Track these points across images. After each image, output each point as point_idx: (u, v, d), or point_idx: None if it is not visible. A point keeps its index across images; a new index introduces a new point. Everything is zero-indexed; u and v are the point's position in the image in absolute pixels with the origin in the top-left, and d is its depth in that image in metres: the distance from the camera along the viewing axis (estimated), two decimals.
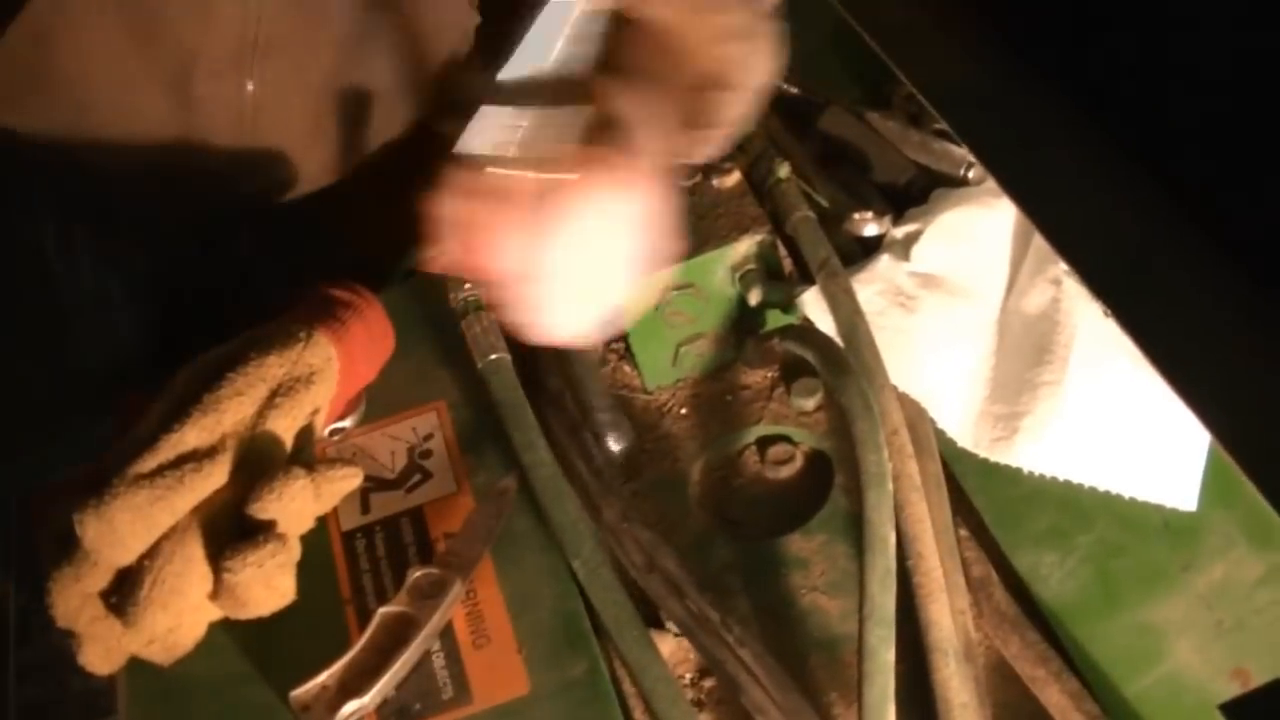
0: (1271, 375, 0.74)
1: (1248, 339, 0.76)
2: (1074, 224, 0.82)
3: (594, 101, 1.09)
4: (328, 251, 1.59)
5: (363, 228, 1.59)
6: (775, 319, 1.41)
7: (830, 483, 1.32)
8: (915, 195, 1.49)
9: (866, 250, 1.44)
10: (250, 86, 1.40)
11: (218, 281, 1.62)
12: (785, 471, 1.36)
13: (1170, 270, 0.79)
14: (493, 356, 1.32)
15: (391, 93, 1.50)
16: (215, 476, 1.18)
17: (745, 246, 1.37)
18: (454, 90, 1.44)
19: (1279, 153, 0.72)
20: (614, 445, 1.35)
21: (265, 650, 1.20)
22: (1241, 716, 1.02)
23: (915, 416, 1.29)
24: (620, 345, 1.45)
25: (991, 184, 1.44)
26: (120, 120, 1.43)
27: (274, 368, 1.24)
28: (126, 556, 1.15)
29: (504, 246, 1.04)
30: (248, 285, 1.63)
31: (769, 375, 1.42)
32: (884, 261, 1.39)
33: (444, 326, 1.39)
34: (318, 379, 1.26)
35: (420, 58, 1.49)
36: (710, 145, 1.23)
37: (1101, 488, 1.23)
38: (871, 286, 1.36)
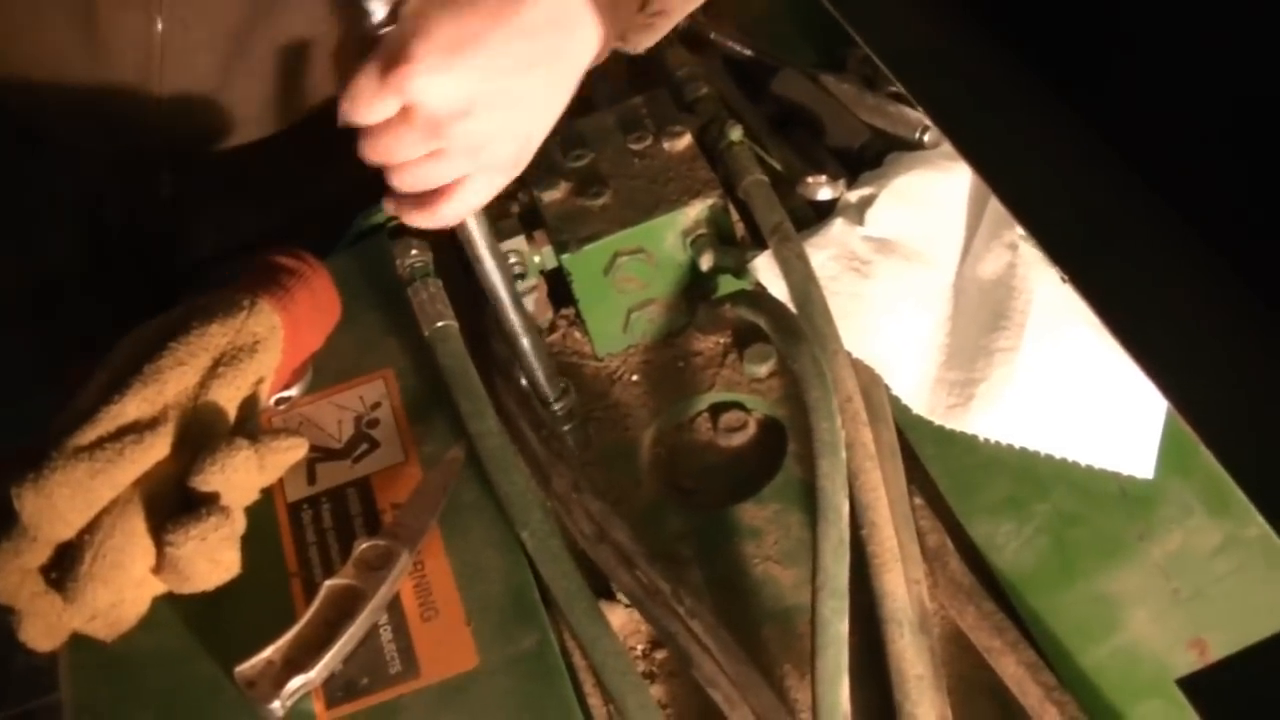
0: (1233, 342, 0.73)
1: (1208, 305, 0.74)
2: (1031, 187, 0.80)
3: None
4: (262, 205, 1.59)
5: (298, 183, 1.57)
6: (727, 284, 1.39)
7: (783, 450, 1.32)
8: (870, 159, 1.48)
9: (820, 214, 1.42)
10: (159, 25, 1.38)
11: (143, 221, 1.60)
12: (738, 439, 1.35)
13: (1129, 234, 0.77)
14: (439, 324, 1.30)
15: (312, 48, 1.47)
16: (157, 448, 1.16)
17: (697, 211, 1.35)
18: None
19: (1240, 116, 0.70)
20: (558, 408, 1.34)
21: (210, 625, 1.18)
22: (1200, 691, 1.01)
23: (869, 383, 1.28)
24: (570, 311, 1.44)
25: (947, 147, 1.43)
26: (29, 52, 1.42)
27: (217, 336, 1.22)
28: (66, 531, 1.14)
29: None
30: (177, 230, 1.62)
31: (721, 341, 1.41)
32: (838, 226, 1.37)
33: (391, 293, 1.37)
34: (262, 348, 1.24)
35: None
36: (655, 33, 1.22)
37: (1058, 455, 1.23)
38: (825, 251, 1.35)
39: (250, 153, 1.55)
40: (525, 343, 1.28)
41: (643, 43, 1.26)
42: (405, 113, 1.04)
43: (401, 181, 1.10)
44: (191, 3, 1.37)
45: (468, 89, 1.04)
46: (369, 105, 1.03)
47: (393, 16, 1.04)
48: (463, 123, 1.06)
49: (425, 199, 1.12)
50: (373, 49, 1.03)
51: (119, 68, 1.41)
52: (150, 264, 1.62)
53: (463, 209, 1.14)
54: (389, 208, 1.15)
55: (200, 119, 1.48)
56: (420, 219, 1.14)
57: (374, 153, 1.07)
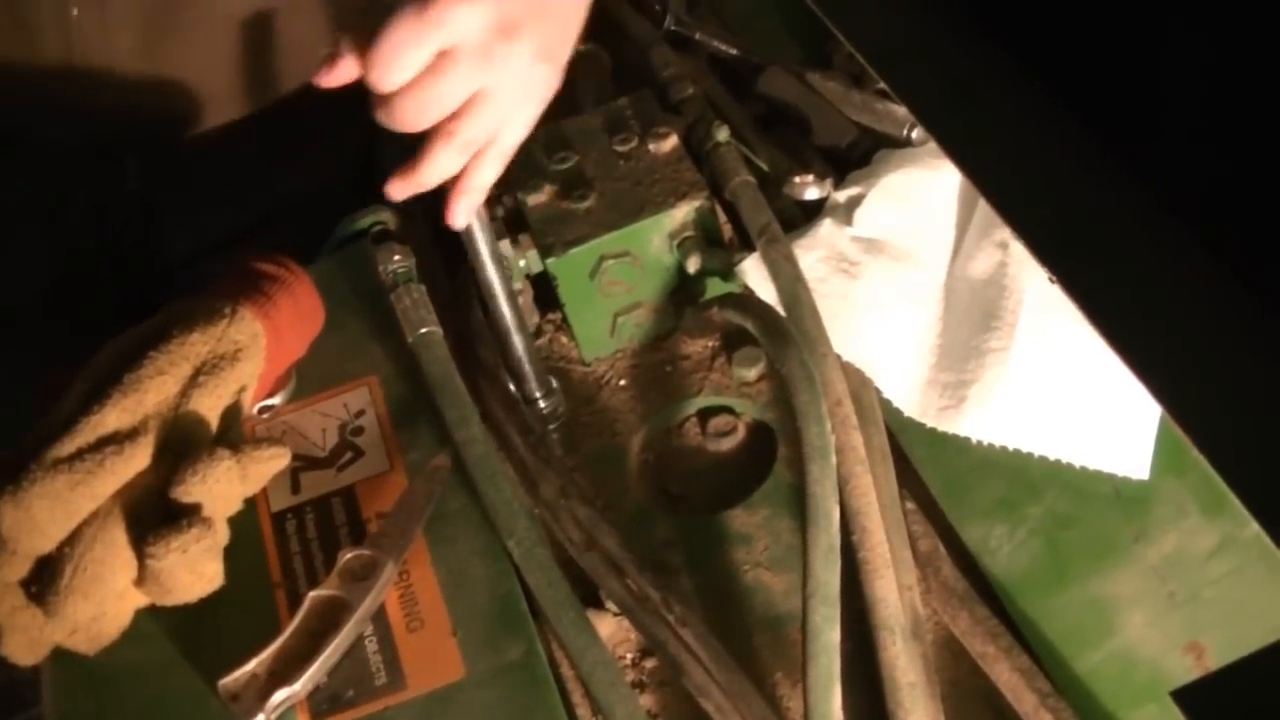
0: (1223, 343, 0.72)
1: (1198, 305, 0.73)
2: (1016, 186, 0.79)
3: None
4: (234, 200, 1.58)
5: (270, 177, 1.57)
6: (715, 287, 1.38)
7: (773, 455, 1.31)
8: (858, 157, 1.47)
9: (808, 215, 1.41)
10: (75, 11, 1.37)
11: (113, 219, 1.59)
12: (727, 443, 1.34)
13: (1115, 233, 0.76)
14: (423, 331, 1.28)
15: (264, 24, 1.45)
16: (137, 459, 1.15)
17: (683, 213, 1.34)
18: None
19: (1225, 114, 0.69)
20: (544, 406, 1.34)
21: (193, 637, 1.17)
22: (1193, 702, 1.00)
23: (859, 386, 1.27)
24: (557, 316, 1.43)
25: (935, 145, 1.42)
26: None
27: (198, 345, 1.21)
28: (46, 544, 1.13)
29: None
30: (148, 227, 1.60)
31: (709, 345, 1.40)
32: (826, 226, 1.36)
33: (374, 299, 1.36)
34: (244, 356, 1.23)
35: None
36: None
37: (1051, 457, 1.21)
38: (813, 252, 1.34)
39: (218, 141, 1.54)
40: (516, 340, 1.27)
41: None
42: (445, 55, 1.00)
43: (446, 142, 1.05)
44: None
45: (506, 7, 1.01)
46: (412, 50, 0.98)
47: None
48: (507, 44, 1.03)
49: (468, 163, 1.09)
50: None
51: (43, 49, 1.40)
52: (123, 267, 1.61)
53: (509, 149, 1.10)
54: (454, 214, 1.12)
55: (142, 101, 1.46)
56: (473, 181, 1.10)
57: (417, 109, 1.02)
